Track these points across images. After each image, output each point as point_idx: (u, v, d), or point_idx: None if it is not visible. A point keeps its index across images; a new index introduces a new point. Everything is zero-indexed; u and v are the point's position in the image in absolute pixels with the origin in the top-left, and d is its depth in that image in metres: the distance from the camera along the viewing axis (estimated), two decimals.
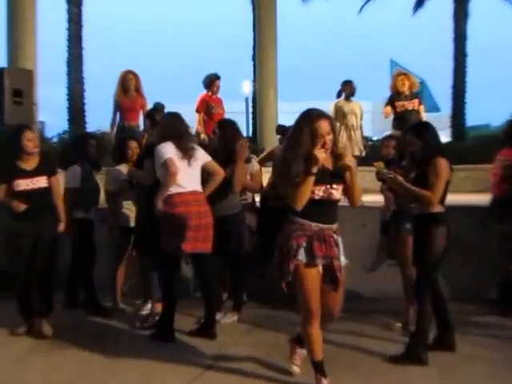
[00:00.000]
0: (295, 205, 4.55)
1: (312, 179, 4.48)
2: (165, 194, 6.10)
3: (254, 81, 18.67)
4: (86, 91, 19.43)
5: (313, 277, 4.59)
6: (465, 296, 7.31)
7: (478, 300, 7.34)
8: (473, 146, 15.70)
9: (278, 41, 17.23)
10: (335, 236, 4.67)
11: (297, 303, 4.71)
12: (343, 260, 4.73)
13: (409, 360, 5.42)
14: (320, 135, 4.48)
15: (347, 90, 10.44)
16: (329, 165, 4.64)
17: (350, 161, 4.57)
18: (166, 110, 8.14)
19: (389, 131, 9.50)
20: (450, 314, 5.78)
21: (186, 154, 6.26)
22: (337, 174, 4.61)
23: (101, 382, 5.28)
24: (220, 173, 6.47)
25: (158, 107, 8.62)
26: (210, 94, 10.47)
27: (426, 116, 9.82)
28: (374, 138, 17.30)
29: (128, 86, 9.63)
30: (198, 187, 6.33)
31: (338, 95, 10.58)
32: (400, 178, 5.52)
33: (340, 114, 10.33)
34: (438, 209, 5.49)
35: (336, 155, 4.63)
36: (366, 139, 11.37)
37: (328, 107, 10.97)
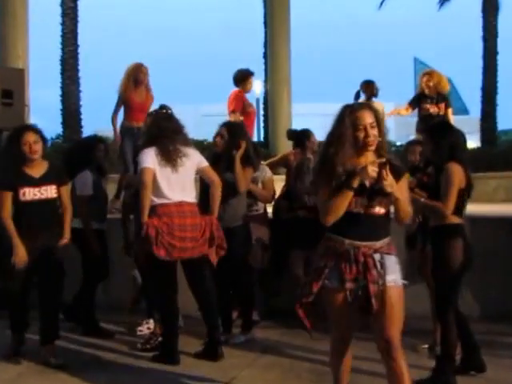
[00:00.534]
0: (325, 219, 4.27)
1: (350, 194, 4.19)
2: (145, 206, 6.06)
3: (266, 80, 18.67)
4: (82, 92, 19.44)
5: (338, 302, 4.35)
6: (494, 314, 7.30)
7: (509, 319, 7.33)
8: (504, 152, 15.69)
9: (292, 38, 17.21)
10: (377, 256, 4.28)
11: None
12: (397, 280, 4.32)
13: None
14: (362, 125, 4.23)
15: (368, 90, 10.42)
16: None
17: (389, 186, 4.13)
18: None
19: (413, 136, 9.51)
20: (473, 333, 5.76)
21: (170, 160, 6.16)
22: (378, 191, 4.25)
23: None
24: (214, 180, 6.35)
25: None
26: (242, 90, 10.14)
27: (454, 119, 9.79)
28: (398, 143, 17.30)
29: (141, 81, 9.32)
30: (187, 197, 6.24)
31: (356, 97, 10.54)
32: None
33: None
34: (453, 220, 5.45)
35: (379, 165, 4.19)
36: (388, 144, 11.36)
37: None
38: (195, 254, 6.24)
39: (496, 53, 21.24)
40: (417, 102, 9.96)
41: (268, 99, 18.24)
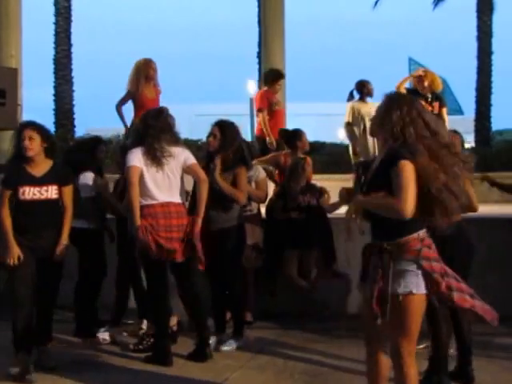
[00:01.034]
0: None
1: None
2: (136, 207, 6.02)
3: (260, 80, 18.66)
4: (75, 91, 19.43)
5: (363, 300, 4.35)
6: None
7: (506, 320, 7.31)
8: (499, 152, 15.72)
9: (286, 37, 17.18)
10: (385, 256, 4.14)
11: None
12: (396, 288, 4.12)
13: None
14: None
15: (363, 90, 10.39)
16: None
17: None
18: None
19: None
20: (469, 340, 5.68)
21: (156, 159, 6.11)
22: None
23: None
24: (200, 177, 6.25)
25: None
26: (270, 90, 10.10)
27: (448, 119, 9.79)
28: None
29: (151, 77, 9.04)
30: (173, 198, 6.20)
31: (350, 96, 10.52)
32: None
33: (357, 116, 10.27)
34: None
35: None
36: None
37: (340, 109, 11.02)
38: (185, 257, 6.20)
39: (491, 52, 21.28)
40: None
41: None
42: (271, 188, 8.14)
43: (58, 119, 19.05)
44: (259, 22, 18.82)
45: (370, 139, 10.13)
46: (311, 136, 9.80)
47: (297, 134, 8.52)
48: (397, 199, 4.03)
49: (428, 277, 4.07)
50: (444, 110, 9.78)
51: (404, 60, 16.12)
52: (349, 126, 10.31)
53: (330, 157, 14.11)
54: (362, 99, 10.38)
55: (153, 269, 6.24)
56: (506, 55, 23.67)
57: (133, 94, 9.03)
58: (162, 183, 6.15)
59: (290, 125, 10.31)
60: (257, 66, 19.37)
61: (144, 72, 8.98)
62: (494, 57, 21.35)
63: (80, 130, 19.21)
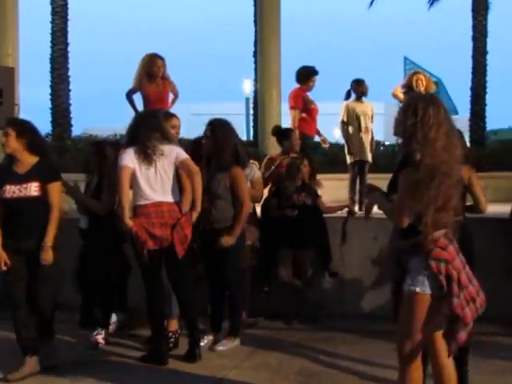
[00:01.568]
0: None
1: None
2: (125, 207, 6.02)
3: (256, 80, 18.64)
4: (71, 90, 19.37)
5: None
6: (485, 315, 7.28)
7: (499, 319, 7.30)
8: (494, 152, 15.72)
9: (282, 36, 17.17)
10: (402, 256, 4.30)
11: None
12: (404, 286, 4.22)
13: None
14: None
15: (358, 89, 10.37)
16: None
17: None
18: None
19: None
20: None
21: (147, 158, 6.09)
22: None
23: None
24: (194, 170, 6.15)
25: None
26: (303, 87, 10.05)
27: None
28: (387, 143, 17.29)
29: (155, 75, 8.87)
30: (165, 197, 6.16)
31: (347, 96, 10.51)
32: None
33: (353, 116, 10.25)
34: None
35: None
36: (376, 143, 11.35)
37: (336, 108, 10.99)
38: (183, 252, 6.16)
39: (486, 52, 21.25)
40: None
41: (257, 98, 18.21)
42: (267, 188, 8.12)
43: (54, 118, 18.95)
44: (255, 21, 18.83)
45: (364, 138, 10.15)
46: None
47: (286, 133, 8.51)
48: (395, 207, 4.08)
49: (434, 278, 4.09)
50: None
51: (400, 59, 16.12)
52: (344, 125, 10.29)
53: (325, 156, 14.06)
54: (357, 98, 10.37)
55: (148, 269, 6.23)
56: (501, 55, 23.67)
57: (138, 90, 8.97)
58: (155, 182, 6.13)
59: (284, 124, 10.27)
60: (253, 66, 19.34)
61: (146, 69, 8.88)
62: (488, 57, 21.34)
63: (77, 129, 19.16)
